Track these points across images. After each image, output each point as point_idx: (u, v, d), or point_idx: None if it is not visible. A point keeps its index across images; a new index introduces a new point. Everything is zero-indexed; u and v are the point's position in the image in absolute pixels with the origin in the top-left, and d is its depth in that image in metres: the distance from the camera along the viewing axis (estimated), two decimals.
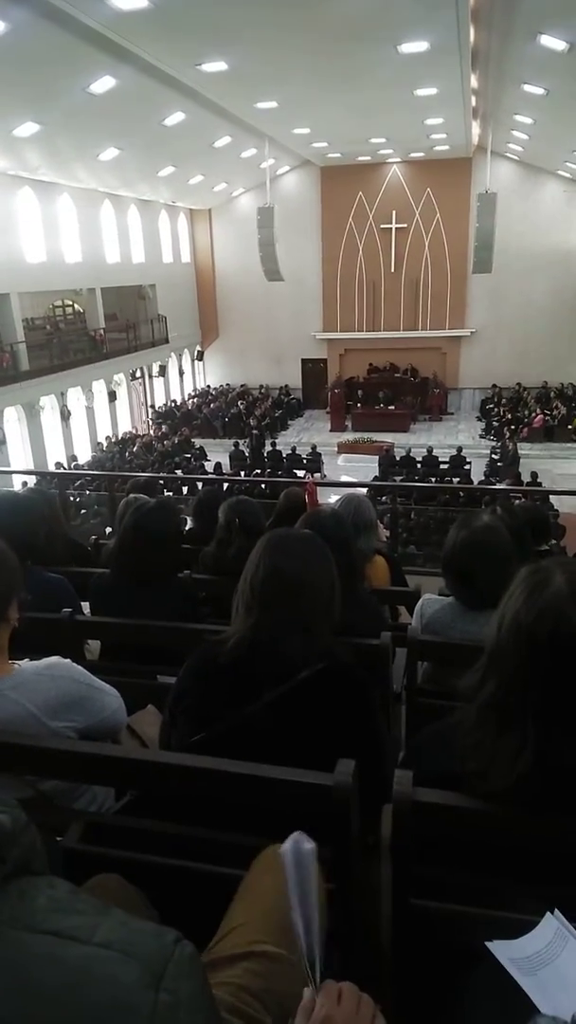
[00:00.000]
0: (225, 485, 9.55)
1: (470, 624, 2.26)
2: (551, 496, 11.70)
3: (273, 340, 25.19)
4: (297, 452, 18.78)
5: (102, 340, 19.41)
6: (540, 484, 14.42)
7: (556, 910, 1.02)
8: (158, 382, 23.55)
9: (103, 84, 11.15)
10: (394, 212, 23.18)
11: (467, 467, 17.12)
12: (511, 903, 1.12)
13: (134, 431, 21.44)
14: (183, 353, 25.13)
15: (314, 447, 19.22)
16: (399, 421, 21.98)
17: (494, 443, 20.13)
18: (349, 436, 21.38)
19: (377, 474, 16.24)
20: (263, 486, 11.13)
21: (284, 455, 18.78)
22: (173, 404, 23.97)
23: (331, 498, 4.74)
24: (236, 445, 19.85)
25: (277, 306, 24.42)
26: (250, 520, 3.27)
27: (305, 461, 18.05)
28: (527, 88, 13.11)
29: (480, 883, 1.20)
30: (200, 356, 26.08)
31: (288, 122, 16.20)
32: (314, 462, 18.03)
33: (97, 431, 19.67)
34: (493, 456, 18.82)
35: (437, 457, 17.70)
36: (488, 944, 1.01)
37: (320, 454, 18.65)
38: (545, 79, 12.32)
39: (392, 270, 23.75)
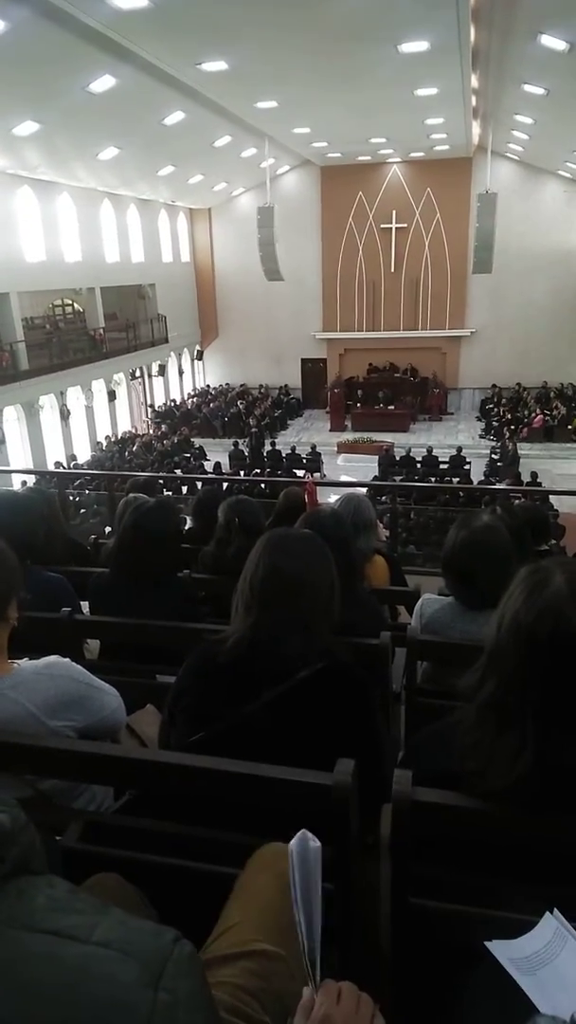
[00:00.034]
0: (224, 485, 9.54)
1: (469, 624, 2.26)
2: (551, 496, 11.69)
3: (273, 340, 25.19)
4: (297, 452, 18.78)
5: (102, 339, 19.40)
6: (540, 484, 14.42)
7: (555, 910, 1.02)
8: (158, 382, 23.55)
9: (103, 83, 11.14)
10: (394, 212, 23.18)
11: (467, 467, 17.12)
12: (510, 903, 1.12)
13: (133, 430, 21.44)
14: (183, 352, 25.13)
15: (314, 447, 19.22)
16: (399, 421, 21.98)
17: (494, 443, 20.13)
18: (349, 436, 21.39)
19: (377, 474, 16.24)
20: (263, 486, 11.11)
21: (284, 455, 18.77)
22: (173, 404, 23.97)
23: (331, 498, 4.75)
24: (236, 445, 19.86)
25: (277, 306, 24.42)
26: (249, 519, 3.27)
27: (305, 461, 18.05)
28: (527, 88, 13.11)
29: (479, 883, 1.20)
30: (200, 356, 26.08)
31: (288, 122, 16.20)
32: (314, 462, 18.03)
33: (96, 430, 19.67)
34: (493, 456, 18.82)
35: (437, 457, 17.70)
36: (487, 944, 1.00)
37: (320, 454, 18.65)
38: (545, 79, 12.32)
39: (392, 270, 23.75)
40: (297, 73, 11.94)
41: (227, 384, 26.15)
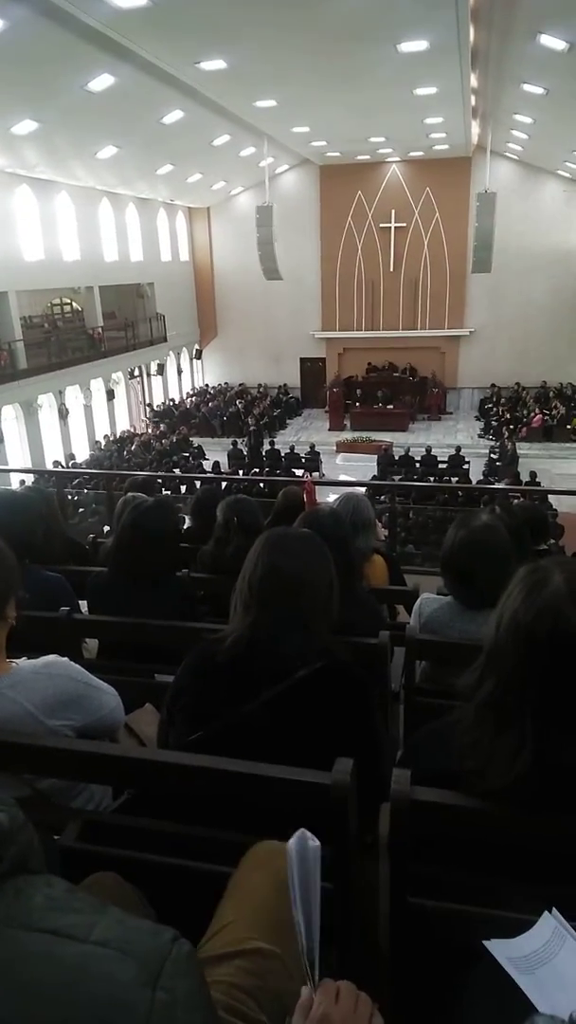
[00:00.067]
0: (223, 484, 9.53)
1: (468, 623, 2.26)
2: (550, 495, 11.69)
3: (272, 339, 25.18)
4: (295, 451, 18.78)
5: (100, 338, 19.39)
6: (539, 483, 14.43)
7: (554, 909, 1.02)
8: (156, 381, 23.54)
9: (102, 82, 11.13)
10: (393, 211, 23.17)
11: (466, 466, 17.13)
12: (509, 902, 1.12)
13: (132, 430, 21.43)
14: (181, 352, 25.12)
15: (312, 446, 19.22)
16: (398, 420, 21.99)
17: (493, 443, 20.15)
18: (348, 435, 21.39)
19: (376, 473, 16.24)
20: (261, 485, 11.11)
21: (282, 454, 18.76)
22: (171, 403, 23.96)
23: (329, 497, 4.75)
24: (234, 444, 19.86)
25: (276, 305, 24.41)
26: (248, 519, 3.27)
27: (303, 460, 18.05)
28: (527, 87, 13.12)
29: (478, 882, 1.20)
30: (198, 355, 26.07)
31: (287, 121, 16.19)
32: (312, 461, 18.03)
33: (95, 429, 19.66)
34: (492, 456, 18.83)
35: (436, 456, 17.70)
36: (486, 943, 1.00)
37: (318, 453, 18.64)
38: (545, 78, 12.33)
39: (391, 269, 23.75)
40: (296, 72, 11.94)
41: (226, 383, 26.14)
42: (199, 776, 1.32)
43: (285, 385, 25.38)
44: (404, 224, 23.31)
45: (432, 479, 16.26)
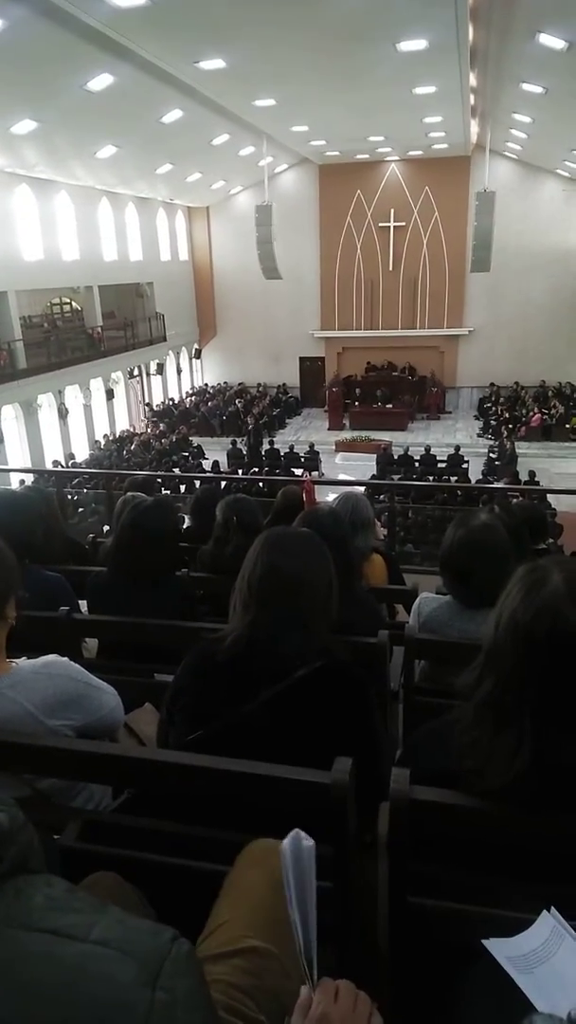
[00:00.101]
0: (223, 483, 9.53)
1: (467, 622, 2.26)
2: (548, 495, 11.66)
3: (271, 338, 25.17)
4: (295, 450, 18.76)
5: (100, 338, 19.38)
6: (538, 483, 14.45)
7: (552, 908, 1.02)
8: (156, 380, 23.53)
9: (101, 81, 11.12)
10: (392, 210, 23.16)
11: (465, 466, 17.13)
12: (508, 901, 1.12)
13: (132, 429, 21.42)
14: (181, 351, 25.11)
15: (312, 445, 19.21)
16: (397, 420, 21.98)
17: (492, 442, 20.14)
18: (347, 434, 21.38)
19: (375, 472, 16.23)
20: (261, 484, 11.11)
21: (282, 453, 18.75)
22: (171, 402, 23.95)
23: (329, 496, 4.75)
24: (234, 443, 19.84)
25: (275, 304, 24.40)
26: (248, 518, 3.27)
27: (303, 459, 18.04)
28: (526, 87, 13.11)
29: (477, 881, 1.21)
30: (198, 354, 26.06)
31: (286, 120, 16.18)
32: (312, 460, 18.02)
33: (95, 429, 19.65)
34: (491, 455, 18.83)
35: (435, 456, 17.69)
36: (485, 942, 1.01)
37: (318, 452, 18.63)
38: (544, 78, 12.32)
39: (390, 268, 23.74)
40: (296, 71, 11.93)
41: (225, 383, 26.13)
42: (199, 776, 1.32)
43: (284, 384, 25.37)
44: (403, 223, 23.30)
45: (431, 478, 16.25)
